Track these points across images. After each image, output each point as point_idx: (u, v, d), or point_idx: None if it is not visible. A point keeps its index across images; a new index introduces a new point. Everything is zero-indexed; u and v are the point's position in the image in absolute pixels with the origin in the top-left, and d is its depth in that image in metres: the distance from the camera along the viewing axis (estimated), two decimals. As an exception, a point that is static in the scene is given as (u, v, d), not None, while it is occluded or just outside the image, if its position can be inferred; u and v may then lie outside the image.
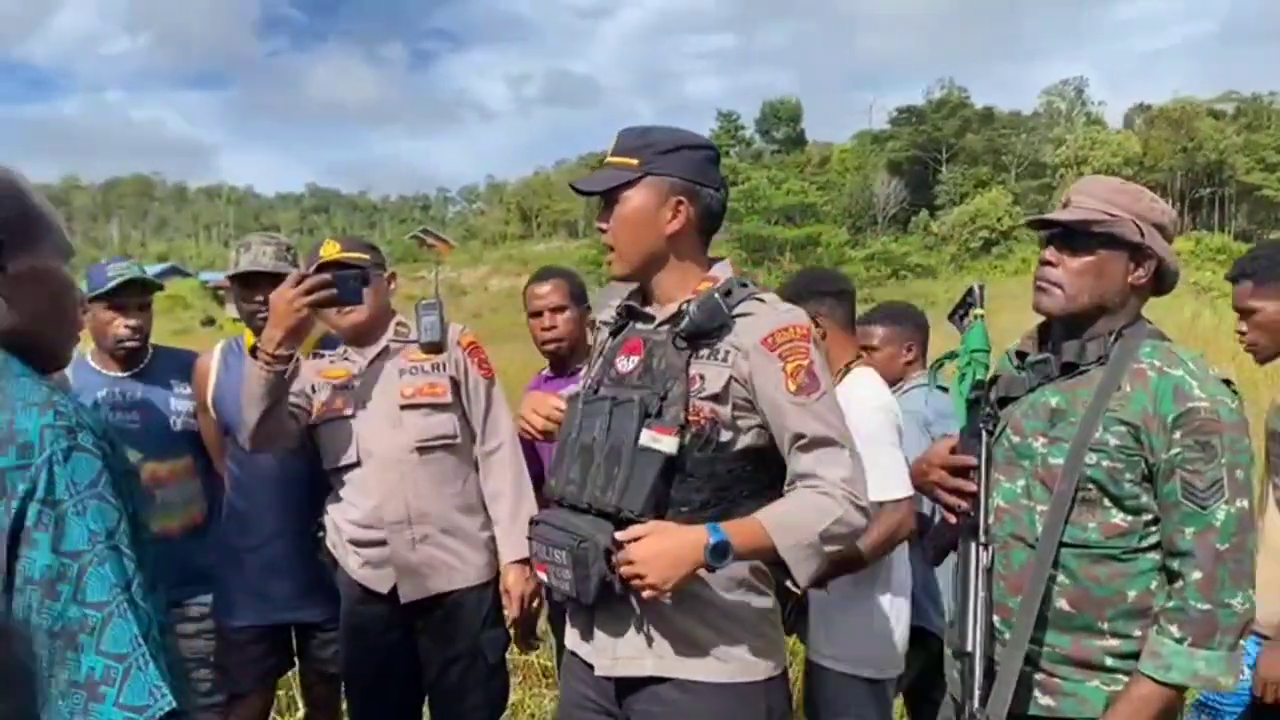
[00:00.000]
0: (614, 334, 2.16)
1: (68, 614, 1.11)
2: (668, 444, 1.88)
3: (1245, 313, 2.72)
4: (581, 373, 2.31)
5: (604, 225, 2.05)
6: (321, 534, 2.98)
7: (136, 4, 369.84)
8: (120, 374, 3.15)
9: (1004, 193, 68.81)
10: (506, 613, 2.91)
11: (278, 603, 3.05)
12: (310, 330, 2.59)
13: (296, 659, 3.21)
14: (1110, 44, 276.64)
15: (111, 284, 3.03)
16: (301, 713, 3.66)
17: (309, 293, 2.47)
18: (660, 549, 1.81)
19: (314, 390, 2.88)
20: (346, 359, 2.91)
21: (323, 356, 2.95)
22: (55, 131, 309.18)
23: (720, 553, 1.80)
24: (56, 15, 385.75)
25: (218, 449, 3.17)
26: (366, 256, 2.87)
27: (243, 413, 2.63)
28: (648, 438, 1.89)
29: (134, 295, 3.10)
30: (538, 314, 3.31)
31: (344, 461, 2.83)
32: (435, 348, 2.86)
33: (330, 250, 2.84)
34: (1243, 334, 2.75)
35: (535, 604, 2.92)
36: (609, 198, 2.03)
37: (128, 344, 3.10)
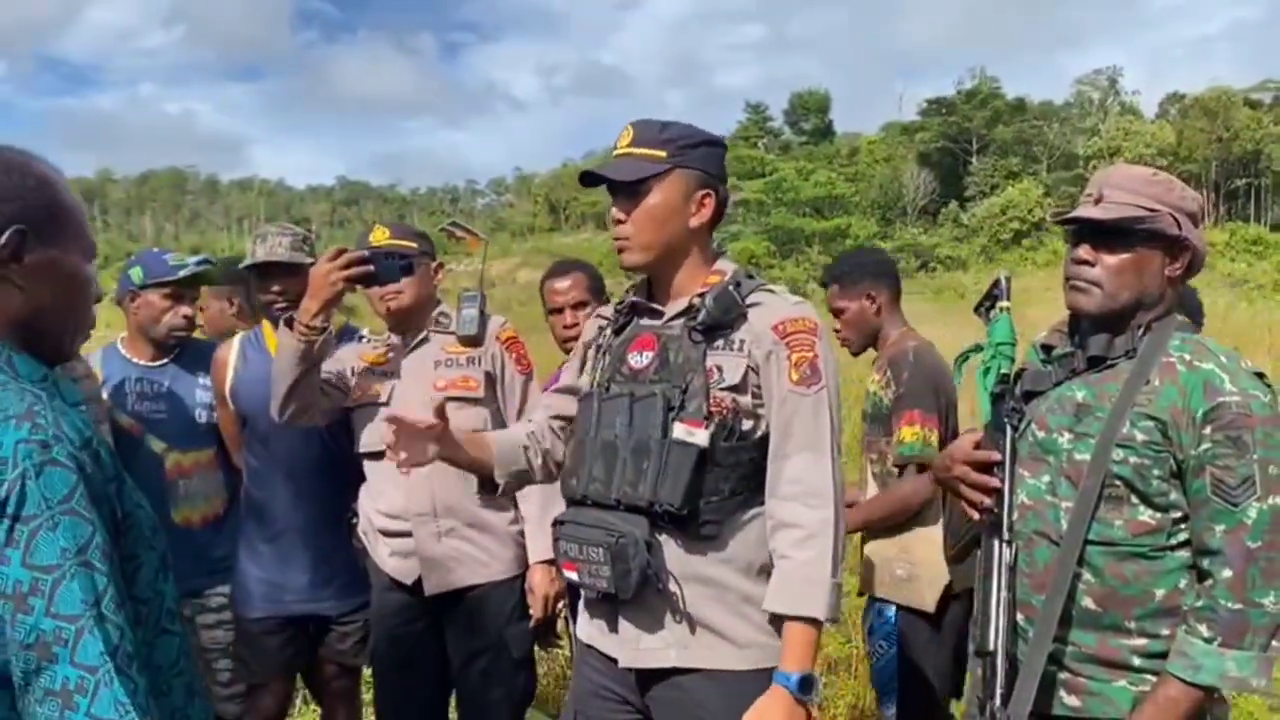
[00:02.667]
0: (617, 331, 2.15)
1: (41, 626, 1.11)
2: (701, 437, 1.90)
3: (836, 312, 3.18)
4: (564, 372, 2.29)
5: (622, 216, 2.03)
6: (355, 520, 2.99)
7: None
8: (149, 363, 3.16)
9: (1035, 184, 68.19)
10: (531, 611, 2.90)
11: (294, 594, 3.05)
12: (339, 302, 2.62)
13: (315, 651, 3.21)
14: (1145, 32, 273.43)
15: (182, 273, 3.07)
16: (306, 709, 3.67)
17: (346, 268, 2.52)
18: None
19: (353, 373, 2.89)
20: (388, 344, 2.91)
21: (365, 340, 2.96)
22: (90, 125, 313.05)
23: (806, 685, 1.88)
24: (91, 10, 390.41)
25: (235, 441, 3.17)
26: (414, 244, 2.87)
27: (274, 385, 2.67)
28: (681, 431, 1.91)
29: (192, 287, 3.15)
30: (558, 310, 3.19)
31: (375, 448, 2.82)
32: (472, 341, 2.85)
33: (379, 236, 2.86)
34: (837, 330, 3.14)
35: (560, 605, 2.91)
36: (632, 189, 2.01)
37: (180, 333, 3.14)
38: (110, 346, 3.19)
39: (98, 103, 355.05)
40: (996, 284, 2.18)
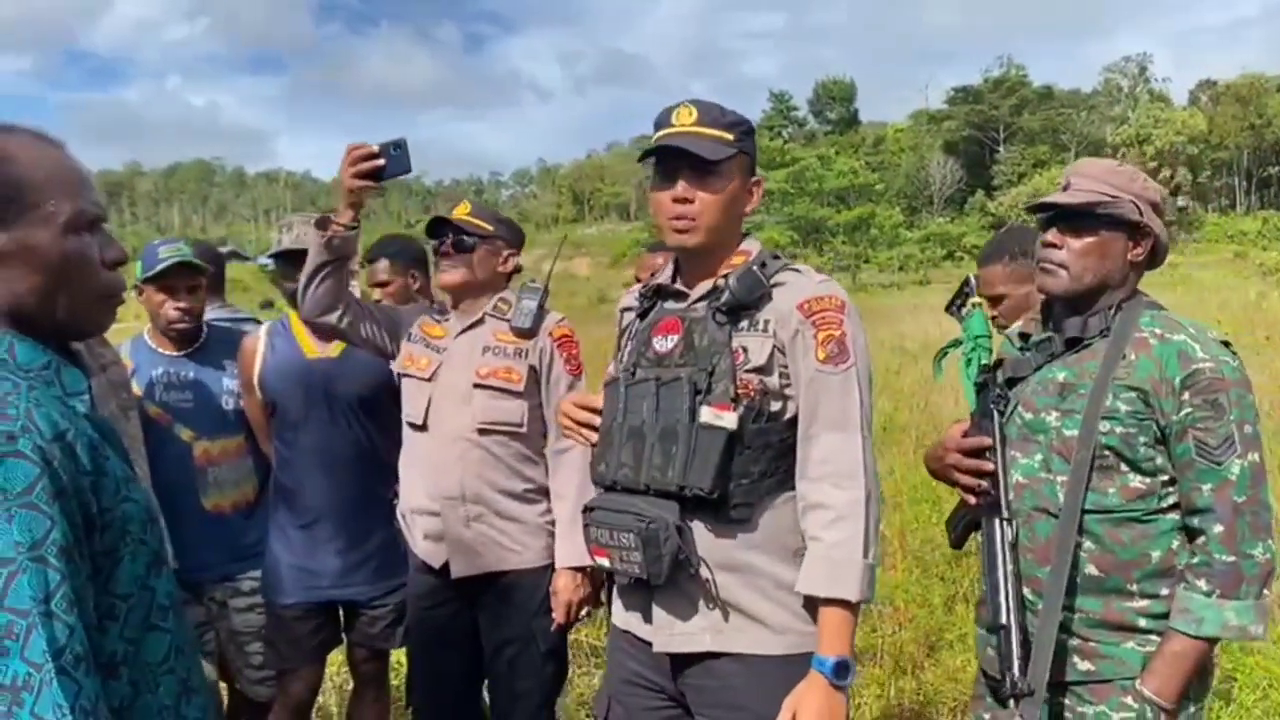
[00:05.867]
0: (641, 315, 2.14)
1: None
2: (729, 420, 1.88)
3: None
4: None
5: (690, 195, 1.98)
6: (395, 500, 3.01)
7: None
8: (175, 353, 3.19)
9: (1063, 172, 67.46)
10: (553, 614, 2.86)
11: (325, 580, 3.07)
12: (363, 202, 2.65)
13: (345, 635, 3.24)
14: (1175, 18, 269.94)
15: (159, 267, 3.06)
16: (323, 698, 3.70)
17: (353, 164, 2.53)
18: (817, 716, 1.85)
19: (410, 337, 2.90)
20: (447, 320, 2.92)
21: (435, 309, 2.99)
22: (117, 118, 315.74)
23: (842, 670, 1.86)
24: (118, 5, 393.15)
25: (263, 429, 3.19)
26: (489, 226, 2.87)
27: (301, 279, 2.71)
28: (710, 415, 1.89)
29: (183, 277, 3.12)
30: None
31: (411, 420, 2.84)
32: (524, 334, 2.83)
33: (461, 211, 2.88)
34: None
35: (582, 611, 2.89)
36: (706, 168, 1.97)
37: (178, 326, 3.13)
38: (138, 338, 3.21)
39: (124, 96, 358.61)
40: (966, 283, 2.29)
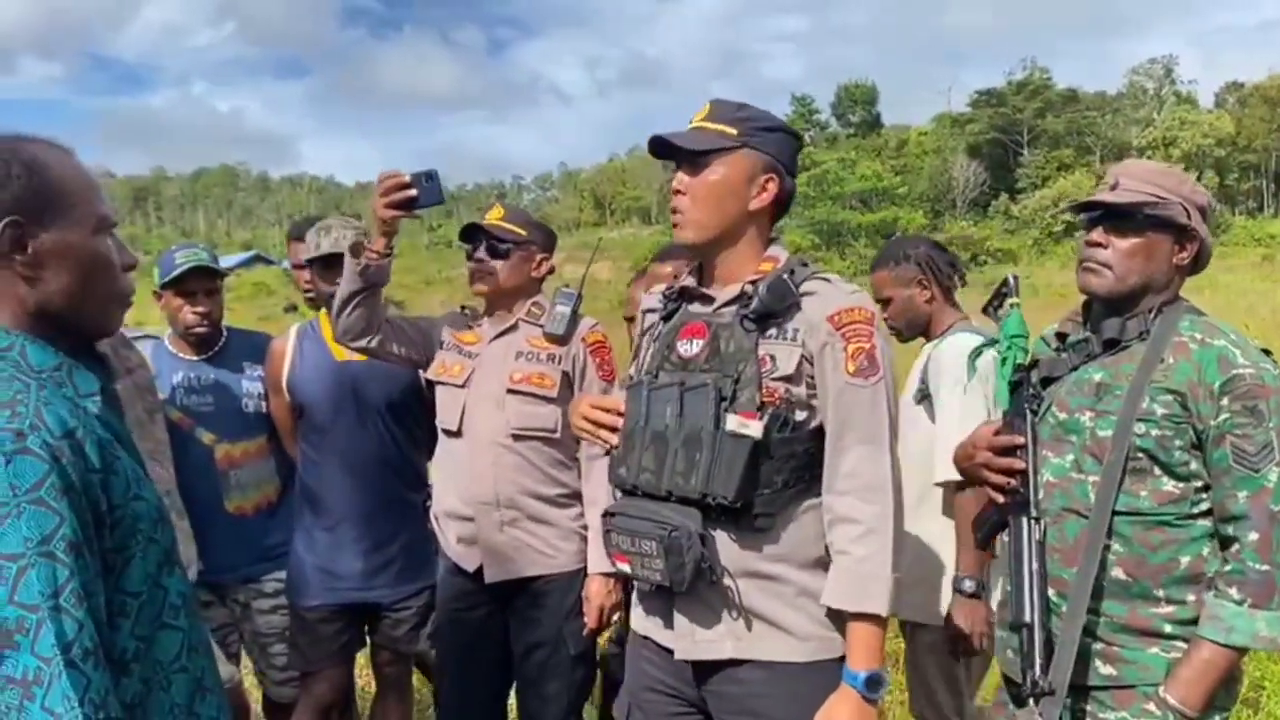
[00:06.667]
0: (665, 318, 2.13)
1: (4, 613, 1.11)
2: (755, 429, 1.87)
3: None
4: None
5: (681, 188, 2.00)
6: (428, 504, 3.02)
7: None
8: (194, 358, 3.21)
9: (1088, 175, 67.03)
10: (585, 619, 2.86)
11: (349, 582, 3.08)
12: (396, 229, 2.63)
13: (368, 637, 3.25)
14: (1201, 20, 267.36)
15: (175, 272, 3.08)
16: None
17: (385, 194, 2.52)
18: None
19: (442, 345, 2.90)
20: (480, 325, 2.92)
21: (465, 314, 3.00)
22: (143, 124, 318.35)
23: (874, 684, 1.87)
24: (143, 10, 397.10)
25: (289, 431, 3.21)
26: (523, 231, 2.86)
27: (335, 302, 2.71)
28: (735, 423, 1.87)
29: (200, 282, 3.14)
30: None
31: (446, 427, 2.85)
32: (558, 340, 2.83)
33: (493, 215, 2.88)
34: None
35: (614, 617, 2.89)
36: (696, 161, 1.98)
37: (197, 330, 3.16)
38: (158, 344, 3.24)
39: (150, 102, 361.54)
40: (1005, 283, 2.28)
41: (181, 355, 3.21)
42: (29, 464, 1.16)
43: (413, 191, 2.51)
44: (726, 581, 1.93)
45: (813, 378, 1.93)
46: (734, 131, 1.98)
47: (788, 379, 1.91)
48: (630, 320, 3.08)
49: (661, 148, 2.03)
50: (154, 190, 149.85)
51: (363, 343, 2.77)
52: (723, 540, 1.94)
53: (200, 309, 3.14)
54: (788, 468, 1.92)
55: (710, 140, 1.97)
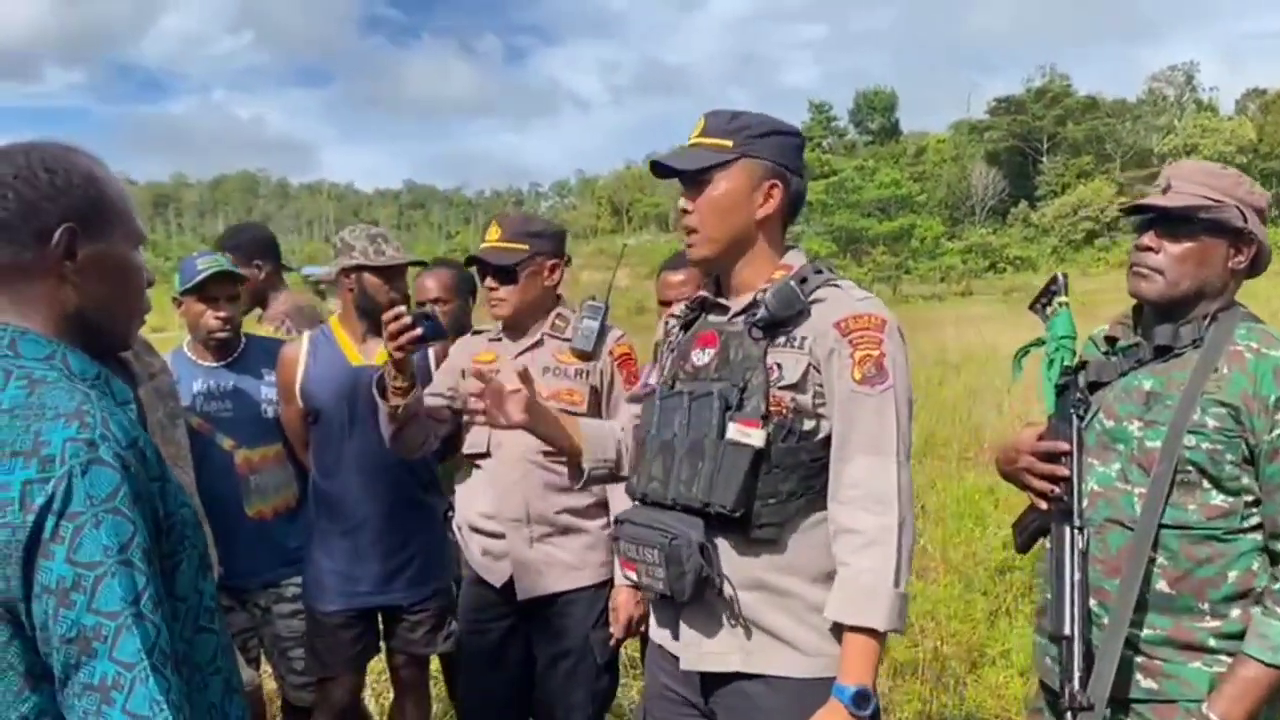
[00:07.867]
0: (685, 327, 2.12)
1: (83, 621, 1.13)
2: (756, 437, 1.84)
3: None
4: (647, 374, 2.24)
5: (689, 207, 1.99)
6: (450, 514, 3.02)
7: (240, 5, 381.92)
8: (214, 364, 3.24)
9: (1108, 183, 66.72)
10: (612, 629, 2.86)
11: (366, 586, 3.08)
12: (410, 365, 2.62)
13: (384, 641, 3.25)
14: (1222, 26, 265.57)
15: (199, 278, 3.12)
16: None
17: (394, 337, 2.51)
18: None
19: (464, 375, 2.87)
20: (498, 341, 2.91)
21: (480, 335, 2.99)
22: (165, 131, 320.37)
23: (861, 700, 1.81)
24: (164, 18, 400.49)
25: (300, 439, 3.22)
26: (523, 246, 2.81)
27: (386, 437, 2.72)
28: (736, 432, 1.85)
29: (222, 288, 3.18)
30: (668, 304, 3.04)
31: (474, 450, 2.84)
32: (586, 356, 2.81)
33: (491, 235, 2.85)
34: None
35: (641, 627, 2.86)
36: (698, 179, 1.98)
37: (218, 335, 3.18)
38: (177, 351, 3.26)
39: (171, 109, 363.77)
40: (1054, 281, 2.20)
41: (201, 362, 3.23)
42: (103, 474, 1.17)
43: (418, 330, 2.53)
44: (731, 592, 1.91)
45: (821, 386, 1.90)
46: (729, 144, 1.96)
47: (794, 387, 1.88)
48: (665, 304, 3.09)
49: (662, 169, 2.02)
50: (174, 197, 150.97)
51: (428, 449, 2.83)
52: (725, 550, 1.91)
53: (222, 314, 3.17)
54: (793, 477, 1.89)
55: (706, 157, 1.96)
